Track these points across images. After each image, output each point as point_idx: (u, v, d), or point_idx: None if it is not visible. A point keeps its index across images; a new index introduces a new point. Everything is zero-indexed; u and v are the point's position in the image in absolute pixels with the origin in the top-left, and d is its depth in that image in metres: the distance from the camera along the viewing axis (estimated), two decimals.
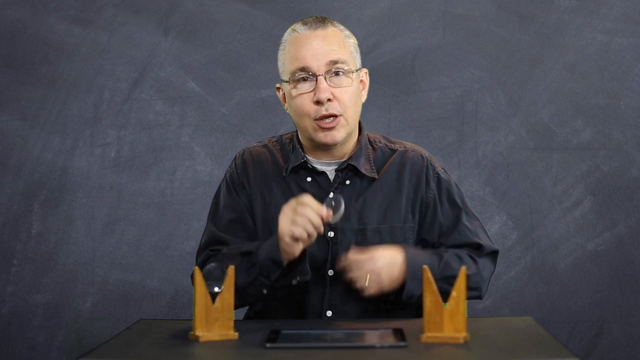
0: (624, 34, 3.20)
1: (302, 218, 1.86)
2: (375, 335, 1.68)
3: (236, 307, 2.03)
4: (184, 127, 3.23)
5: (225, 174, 2.14)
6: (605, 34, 3.20)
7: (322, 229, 1.88)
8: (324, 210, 1.87)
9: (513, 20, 3.22)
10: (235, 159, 2.15)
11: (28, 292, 3.19)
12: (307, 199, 1.87)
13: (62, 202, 3.21)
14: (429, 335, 1.62)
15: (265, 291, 1.96)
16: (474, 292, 2.05)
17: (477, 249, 2.08)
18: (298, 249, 1.90)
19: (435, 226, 2.09)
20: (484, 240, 2.09)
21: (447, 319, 1.60)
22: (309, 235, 1.87)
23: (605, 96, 3.19)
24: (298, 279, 1.95)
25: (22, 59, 3.23)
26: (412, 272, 1.95)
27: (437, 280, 1.88)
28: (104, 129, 3.23)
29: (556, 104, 3.20)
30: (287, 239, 1.88)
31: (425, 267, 1.63)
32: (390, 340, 1.62)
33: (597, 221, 3.17)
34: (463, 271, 1.61)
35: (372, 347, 1.58)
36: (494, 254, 2.11)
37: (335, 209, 1.88)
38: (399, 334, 1.66)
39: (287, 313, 2.06)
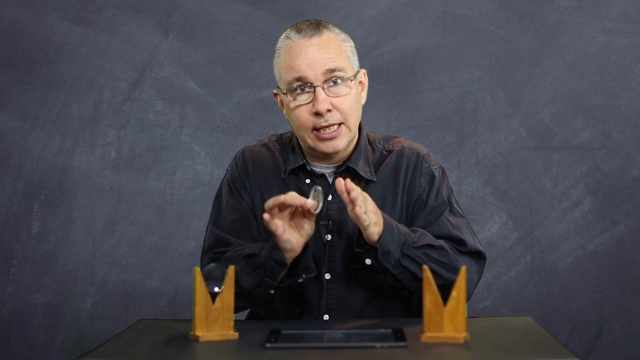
0: (624, 34, 3.20)
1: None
2: (375, 335, 1.68)
3: (242, 309, 2.03)
4: (184, 127, 3.23)
5: (226, 174, 2.12)
6: (605, 34, 3.20)
7: (307, 204, 1.85)
8: (308, 201, 1.86)
9: (513, 20, 3.22)
10: (235, 158, 2.12)
11: (28, 292, 3.19)
12: (291, 194, 1.86)
13: (62, 202, 3.21)
14: (429, 335, 1.61)
15: (272, 291, 1.95)
16: (449, 274, 1.91)
17: (458, 244, 1.98)
18: (297, 243, 1.89)
19: (419, 221, 2.02)
20: (466, 237, 1.99)
21: (447, 319, 1.60)
22: (300, 227, 1.88)
23: (605, 96, 3.19)
24: (304, 276, 1.94)
25: (22, 59, 3.23)
26: (387, 223, 1.89)
27: (415, 248, 1.89)
28: (104, 129, 3.23)
29: (556, 104, 3.20)
30: (273, 227, 1.85)
31: (426, 267, 1.62)
32: (390, 340, 1.62)
33: (597, 221, 3.17)
34: (463, 271, 1.61)
35: (372, 347, 1.58)
36: (478, 255, 2.00)
37: (319, 198, 1.86)
38: (399, 334, 1.66)
39: (284, 316, 2.05)
